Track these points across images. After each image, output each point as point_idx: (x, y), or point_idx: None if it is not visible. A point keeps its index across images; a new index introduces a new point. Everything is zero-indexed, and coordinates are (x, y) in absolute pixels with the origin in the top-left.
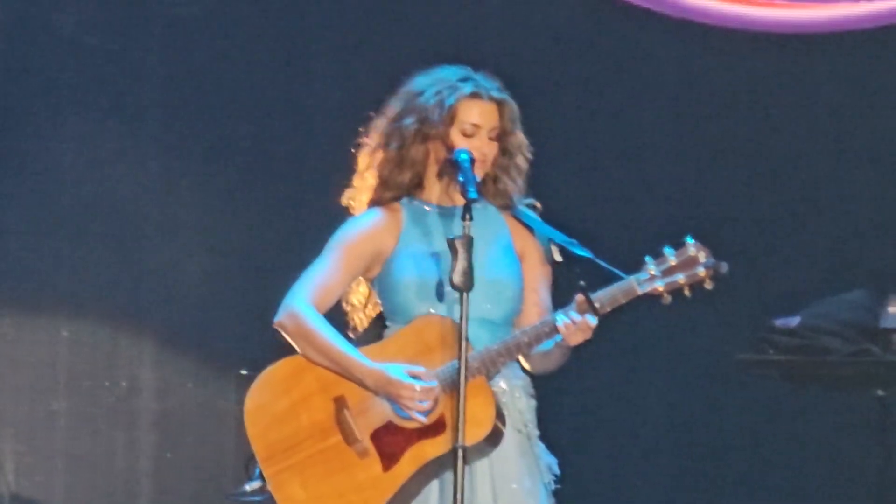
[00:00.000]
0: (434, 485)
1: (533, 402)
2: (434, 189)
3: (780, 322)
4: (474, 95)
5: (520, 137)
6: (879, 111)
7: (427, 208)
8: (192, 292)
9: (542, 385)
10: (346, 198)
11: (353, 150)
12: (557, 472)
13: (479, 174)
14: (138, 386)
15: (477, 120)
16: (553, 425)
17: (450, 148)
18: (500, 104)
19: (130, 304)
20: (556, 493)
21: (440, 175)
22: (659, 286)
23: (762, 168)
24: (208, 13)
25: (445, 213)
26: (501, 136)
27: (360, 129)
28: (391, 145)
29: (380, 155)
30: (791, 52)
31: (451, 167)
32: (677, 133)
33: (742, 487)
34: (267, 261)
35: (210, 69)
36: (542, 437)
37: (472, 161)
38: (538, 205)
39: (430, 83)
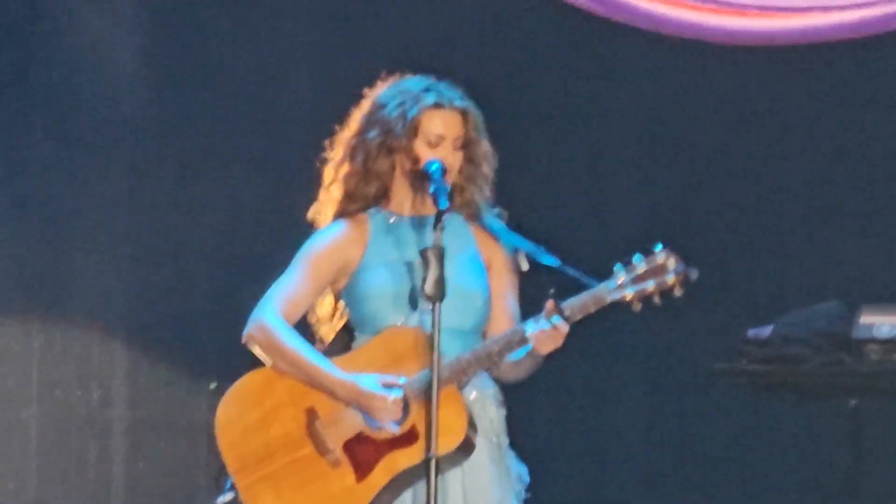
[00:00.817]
0: (407, 495)
1: (503, 411)
2: (402, 199)
3: (753, 332)
4: (437, 106)
5: (485, 146)
6: (851, 121)
7: (394, 219)
8: (164, 302)
9: (516, 393)
10: (312, 212)
11: (318, 164)
12: (528, 480)
13: (447, 182)
14: (110, 395)
15: (440, 130)
16: (526, 434)
17: (414, 159)
18: (463, 113)
19: (103, 313)
20: (526, 503)
21: (412, 185)
22: (628, 294)
23: (735, 178)
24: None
25: (416, 223)
26: (467, 145)
27: (326, 143)
28: (356, 158)
29: (345, 168)
30: (763, 62)
31: (422, 178)
32: (649, 142)
33: (715, 497)
34: (239, 272)
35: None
36: (515, 446)
37: (444, 171)
38: (504, 213)
39: (393, 95)
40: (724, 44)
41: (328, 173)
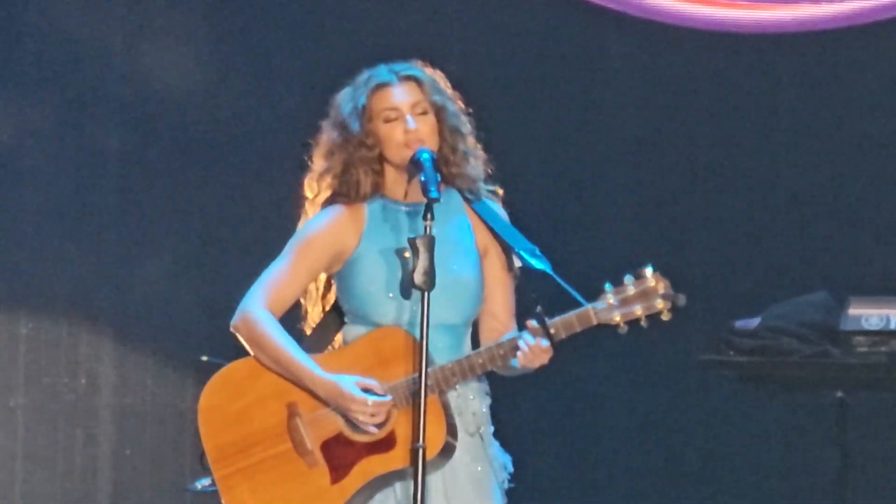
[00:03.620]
0: (390, 492)
1: (488, 401)
2: (398, 187)
3: (740, 323)
4: (380, 85)
5: (453, 107)
6: (840, 113)
7: (394, 206)
8: (151, 289)
9: (502, 383)
10: (301, 225)
11: (301, 178)
12: (511, 469)
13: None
14: (97, 382)
15: (392, 103)
16: (511, 423)
17: (381, 143)
18: (414, 80)
19: (90, 300)
20: (511, 492)
21: (405, 174)
22: (616, 316)
23: (723, 169)
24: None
25: (413, 210)
26: (435, 111)
27: (305, 158)
28: (332, 165)
29: (326, 178)
30: (753, 52)
31: (413, 167)
32: (639, 133)
33: (701, 487)
34: (227, 257)
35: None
36: (500, 435)
37: (434, 160)
38: (499, 191)
39: (345, 94)
40: (713, 32)
41: (311, 186)
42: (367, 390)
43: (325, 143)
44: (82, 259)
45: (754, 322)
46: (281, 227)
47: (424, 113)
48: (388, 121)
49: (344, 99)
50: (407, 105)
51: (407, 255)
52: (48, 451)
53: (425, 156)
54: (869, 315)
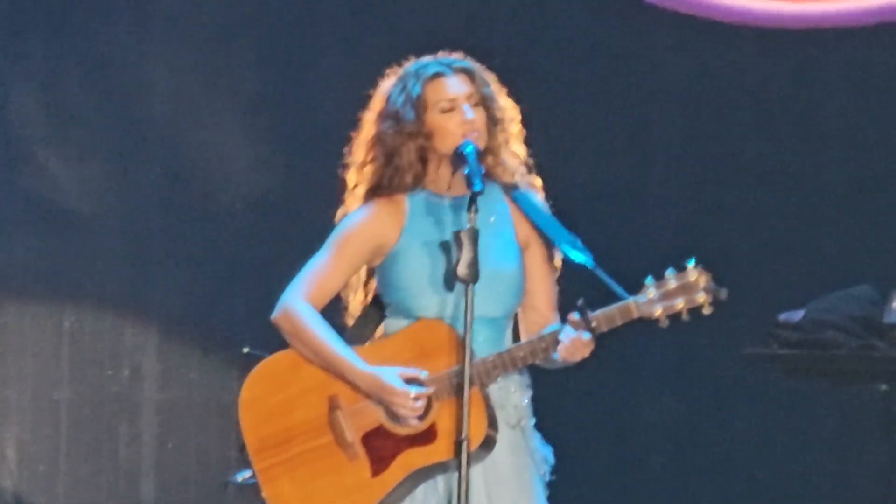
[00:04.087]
0: (435, 485)
1: (529, 393)
2: (440, 180)
3: (784, 317)
4: (436, 75)
5: (503, 101)
6: (884, 107)
7: (436, 199)
8: (195, 281)
9: (544, 375)
10: (340, 215)
11: (339, 171)
12: (552, 462)
13: (479, 144)
14: (141, 375)
15: (448, 94)
16: (553, 415)
17: (436, 134)
18: (466, 72)
19: (133, 293)
20: (552, 484)
21: (449, 166)
22: (657, 310)
23: (767, 162)
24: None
25: (455, 203)
26: (485, 104)
27: (344, 150)
28: (377, 156)
29: (368, 169)
30: (798, 47)
31: (457, 160)
32: (685, 129)
33: (746, 482)
34: (271, 251)
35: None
36: (541, 427)
37: (478, 153)
38: (538, 182)
39: (395, 84)
40: (759, 28)
41: (351, 177)
42: (411, 381)
43: (369, 134)
44: (126, 251)
45: (799, 315)
46: (327, 219)
47: (477, 105)
48: (444, 111)
49: (395, 90)
50: (463, 96)
51: (450, 247)
52: (92, 444)
53: (469, 148)
54: None
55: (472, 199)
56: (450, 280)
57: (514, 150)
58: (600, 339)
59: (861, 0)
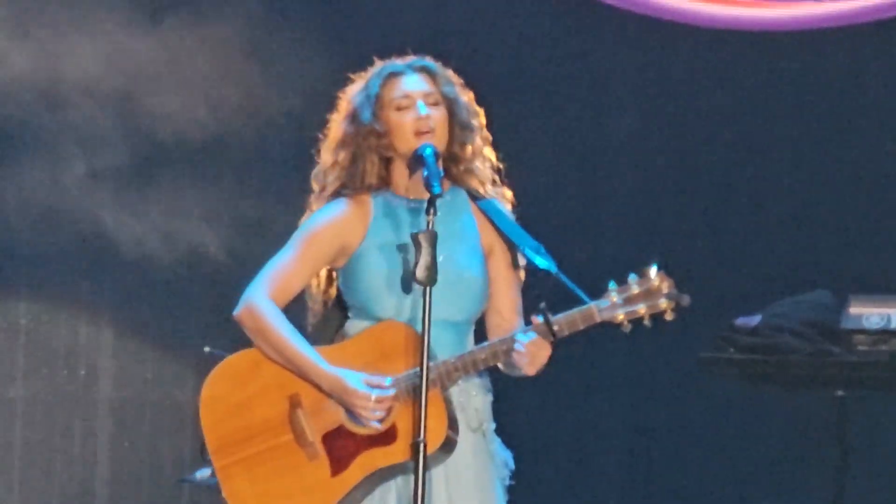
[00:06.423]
0: (391, 486)
1: (489, 397)
2: (402, 182)
3: (740, 321)
4: (393, 74)
5: (464, 100)
6: (842, 113)
7: (397, 201)
8: (151, 281)
9: (503, 379)
10: (307, 217)
11: (309, 174)
12: (513, 466)
13: (436, 144)
14: (96, 374)
15: (404, 91)
16: (512, 420)
17: (393, 132)
18: (426, 71)
19: (89, 292)
20: (512, 489)
21: (408, 169)
22: (619, 314)
23: (725, 167)
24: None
25: (416, 206)
26: (448, 105)
27: (313, 153)
28: (341, 157)
29: (334, 171)
30: (755, 51)
31: (415, 162)
32: (642, 132)
33: (700, 485)
34: (228, 250)
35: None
36: (501, 432)
37: (437, 155)
38: (509, 193)
39: (357, 87)
40: (716, 30)
41: (318, 180)
42: (372, 387)
43: (333, 136)
44: (83, 251)
45: (755, 320)
46: (286, 218)
47: (436, 104)
48: (399, 109)
49: (355, 91)
50: (419, 93)
51: (409, 250)
52: (46, 441)
53: (428, 151)
54: (869, 314)
55: (431, 202)
56: (408, 282)
57: (480, 154)
58: (559, 343)
59: (811, 6)
